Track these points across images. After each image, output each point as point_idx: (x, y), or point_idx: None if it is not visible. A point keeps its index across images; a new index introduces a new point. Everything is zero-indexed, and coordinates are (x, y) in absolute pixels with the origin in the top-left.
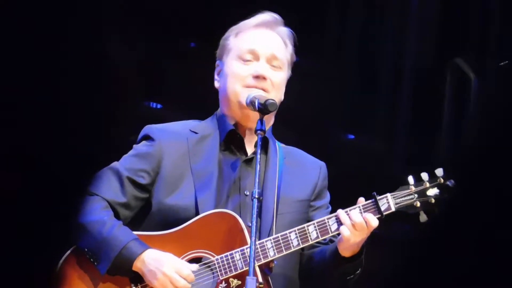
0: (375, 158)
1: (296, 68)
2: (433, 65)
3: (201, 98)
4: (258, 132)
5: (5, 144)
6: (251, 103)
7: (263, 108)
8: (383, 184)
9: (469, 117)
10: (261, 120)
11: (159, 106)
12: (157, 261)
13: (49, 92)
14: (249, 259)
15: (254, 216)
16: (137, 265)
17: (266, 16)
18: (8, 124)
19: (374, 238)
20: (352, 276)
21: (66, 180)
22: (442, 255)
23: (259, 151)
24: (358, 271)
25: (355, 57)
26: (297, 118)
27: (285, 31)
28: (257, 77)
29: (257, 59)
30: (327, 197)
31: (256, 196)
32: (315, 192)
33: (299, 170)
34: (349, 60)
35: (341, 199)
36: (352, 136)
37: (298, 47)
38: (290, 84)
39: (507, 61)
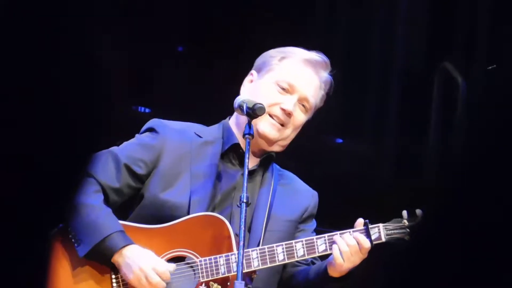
0: (363, 162)
1: None
2: (421, 69)
3: (190, 102)
4: (246, 136)
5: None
6: (239, 107)
7: (251, 112)
8: (371, 188)
9: (457, 121)
10: (249, 124)
11: (147, 110)
12: (136, 255)
13: (34, 95)
14: (237, 263)
15: (243, 220)
16: (115, 258)
17: (317, 56)
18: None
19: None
20: None
21: (61, 181)
22: (434, 256)
23: (247, 155)
24: None
25: (343, 60)
26: None
27: (326, 78)
28: (284, 110)
29: (291, 93)
30: (313, 223)
31: (244, 201)
32: (304, 216)
33: (292, 193)
34: (337, 63)
35: (330, 204)
36: (340, 140)
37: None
38: None
39: (495, 65)
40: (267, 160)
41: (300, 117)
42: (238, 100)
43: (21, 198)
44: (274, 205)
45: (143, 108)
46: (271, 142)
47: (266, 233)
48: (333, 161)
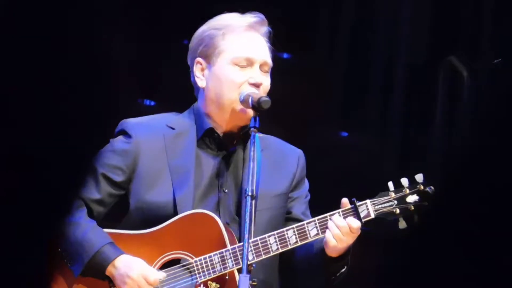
0: (368, 156)
1: (288, 65)
2: (426, 63)
3: (194, 95)
4: (252, 129)
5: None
6: (244, 101)
7: (257, 106)
8: (375, 182)
9: (462, 115)
10: (255, 118)
11: (152, 103)
12: (127, 266)
13: (41, 89)
14: (242, 256)
15: (247, 213)
16: (109, 270)
17: (254, 17)
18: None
19: (364, 236)
20: (337, 275)
21: (62, 180)
22: (433, 251)
23: (252, 148)
24: (344, 270)
25: (347, 54)
26: (290, 115)
27: (266, 32)
28: (254, 84)
29: (251, 65)
30: (305, 186)
31: (250, 194)
32: (293, 183)
33: (277, 162)
34: (341, 57)
35: (334, 196)
36: (345, 134)
37: (291, 43)
38: (283, 81)
39: (500, 59)
40: (246, 136)
41: (268, 81)
42: (243, 94)
43: (25, 193)
44: (261, 182)
45: (148, 101)
46: (249, 117)
47: (256, 213)
48: (338, 155)
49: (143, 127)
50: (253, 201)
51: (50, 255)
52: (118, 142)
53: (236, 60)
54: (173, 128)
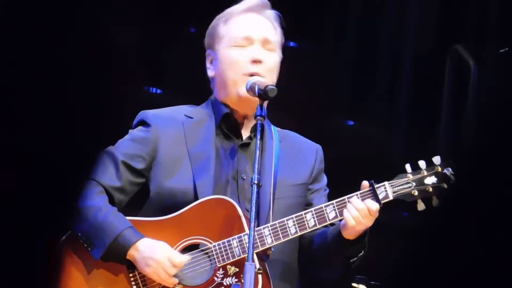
0: (374, 144)
1: (296, 52)
2: (432, 52)
3: (201, 83)
4: (258, 117)
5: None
6: (251, 89)
7: (263, 94)
8: (382, 170)
9: (469, 104)
10: (261, 106)
11: (159, 91)
12: (150, 248)
13: (48, 76)
14: (248, 245)
15: (254, 202)
16: (131, 253)
17: (253, 1)
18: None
19: (376, 226)
20: (355, 259)
21: (67, 168)
22: (445, 242)
23: (258, 137)
24: (362, 253)
25: (355, 42)
26: (297, 103)
27: (272, 14)
28: (254, 61)
29: (251, 43)
30: (324, 180)
31: (256, 182)
32: (313, 175)
33: (295, 153)
34: (349, 45)
35: (341, 185)
36: (351, 122)
37: (298, 32)
38: (290, 69)
39: (507, 48)
40: (261, 125)
41: (272, 59)
42: (249, 82)
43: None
44: (279, 171)
45: (154, 89)
46: (256, 99)
47: (275, 202)
48: (344, 143)
49: (162, 116)
50: (266, 190)
51: (54, 251)
52: (138, 131)
53: (235, 41)
54: (191, 118)
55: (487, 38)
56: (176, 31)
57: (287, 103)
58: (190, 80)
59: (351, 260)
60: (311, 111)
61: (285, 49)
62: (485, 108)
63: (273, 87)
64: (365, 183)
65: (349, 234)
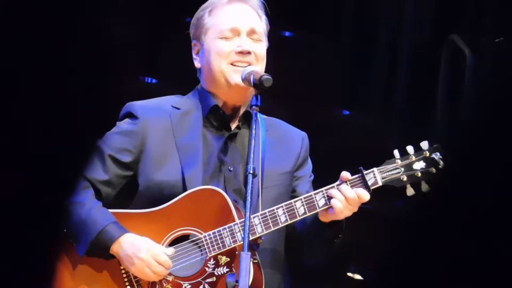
0: (370, 134)
1: (292, 43)
2: (429, 41)
3: (196, 73)
4: (254, 107)
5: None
6: (246, 79)
7: (258, 84)
8: (377, 160)
9: (465, 93)
10: (256, 96)
11: (154, 81)
12: (134, 246)
13: (45, 66)
14: (244, 234)
15: (249, 191)
16: (114, 249)
17: None
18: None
19: (367, 214)
20: (335, 241)
21: (66, 162)
22: (440, 231)
23: (254, 127)
24: (340, 236)
25: (351, 32)
26: (293, 93)
27: (256, 2)
28: (241, 52)
29: (237, 34)
30: (309, 166)
31: (251, 172)
32: (298, 163)
33: (281, 142)
34: (345, 35)
35: (335, 174)
36: (347, 112)
37: (296, 23)
38: (286, 60)
39: (502, 38)
40: (248, 115)
41: (260, 49)
42: (244, 72)
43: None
44: (266, 160)
45: (150, 79)
46: (246, 88)
47: (263, 191)
48: (340, 133)
49: (149, 108)
50: (254, 179)
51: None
52: (125, 124)
53: (221, 33)
54: (178, 108)
55: (483, 28)
56: (172, 21)
57: (283, 93)
58: (185, 70)
59: (331, 242)
60: (307, 100)
61: (280, 38)
62: (481, 97)
63: (268, 77)
64: (344, 173)
65: (325, 218)
